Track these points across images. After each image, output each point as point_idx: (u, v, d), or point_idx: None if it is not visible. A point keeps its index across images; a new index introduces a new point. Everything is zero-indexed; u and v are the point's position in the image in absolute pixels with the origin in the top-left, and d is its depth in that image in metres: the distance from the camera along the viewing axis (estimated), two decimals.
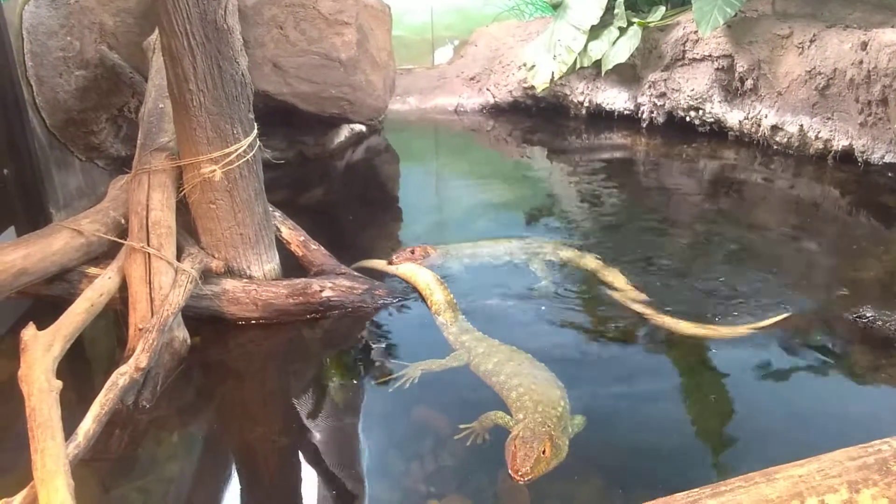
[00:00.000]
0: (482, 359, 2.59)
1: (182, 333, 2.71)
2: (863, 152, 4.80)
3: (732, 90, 5.84)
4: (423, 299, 3.13)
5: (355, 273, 3.25)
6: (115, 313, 2.83)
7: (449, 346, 2.77)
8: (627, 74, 6.68)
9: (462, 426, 2.25)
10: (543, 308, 3.10)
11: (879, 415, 2.33)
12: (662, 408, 2.38)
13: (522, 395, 2.32)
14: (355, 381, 2.65)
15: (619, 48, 6.32)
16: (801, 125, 5.24)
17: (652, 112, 6.50)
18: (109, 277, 2.71)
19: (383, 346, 2.84)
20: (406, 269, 3.38)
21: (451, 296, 3.08)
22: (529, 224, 4.31)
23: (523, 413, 2.24)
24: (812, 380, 2.54)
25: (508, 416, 2.27)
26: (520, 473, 2.00)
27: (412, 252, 3.50)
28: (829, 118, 5.05)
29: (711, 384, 2.52)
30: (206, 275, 2.93)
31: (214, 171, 2.83)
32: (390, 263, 3.47)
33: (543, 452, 2.03)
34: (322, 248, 3.34)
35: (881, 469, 1.38)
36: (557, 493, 2.01)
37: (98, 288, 2.63)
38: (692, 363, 2.63)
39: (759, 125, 5.60)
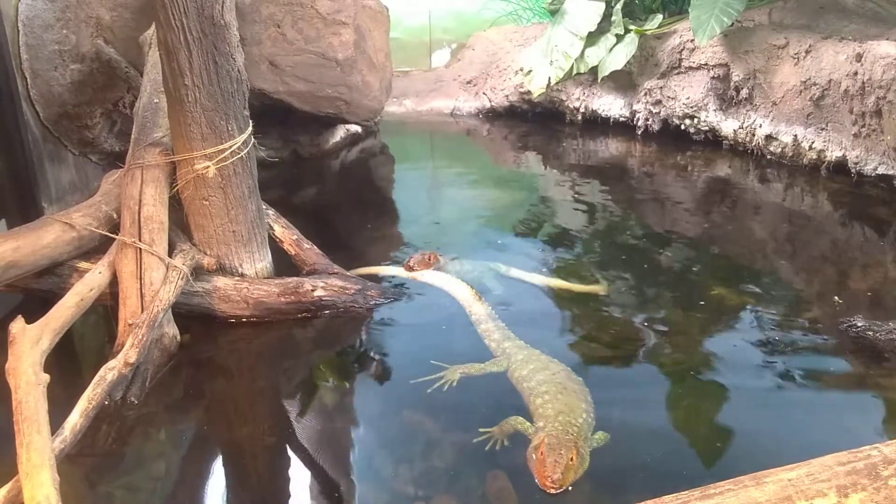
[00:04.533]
0: (519, 365, 2.56)
1: (172, 330, 2.70)
2: (856, 163, 4.82)
3: (728, 99, 5.86)
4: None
5: (348, 273, 3.24)
6: (105, 308, 2.81)
7: (490, 352, 2.75)
8: (623, 81, 6.70)
9: (482, 430, 2.22)
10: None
11: (869, 422, 2.34)
12: (652, 415, 2.38)
13: (546, 403, 2.29)
14: (346, 382, 2.63)
15: (615, 55, 6.34)
16: (796, 135, 5.27)
17: (647, 119, 6.53)
18: (100, 272, 2.69)
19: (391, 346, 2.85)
20: (433, 278, 3.35)
21: (489, 306, 3.05)
22: (518, 230, 4.31)
23: (543, 421, 2.20)
24: (803, 387, 2.54)
25: (529, 423, 2.23)
26: (551, 480, 1.93)
27: (428, 259, 3.47)
28: (823, 129, 5.07)
29: (702, 392, 2.52)
30: (198, 272, 2.91)
31: (208, 167, 2.82)
32: (408, 269, 3.43)
33: (571, 460, 1.98)
34: (315, 247, 3.33)
35: (870, 474, 1.38)
36: (544, 497, 2.00)
37: (88, 282, 2.62)
38: (683, 371, 2.63)
39: (754, 134, 5.63)
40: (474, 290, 3.18)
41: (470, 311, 3.05)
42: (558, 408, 2.24)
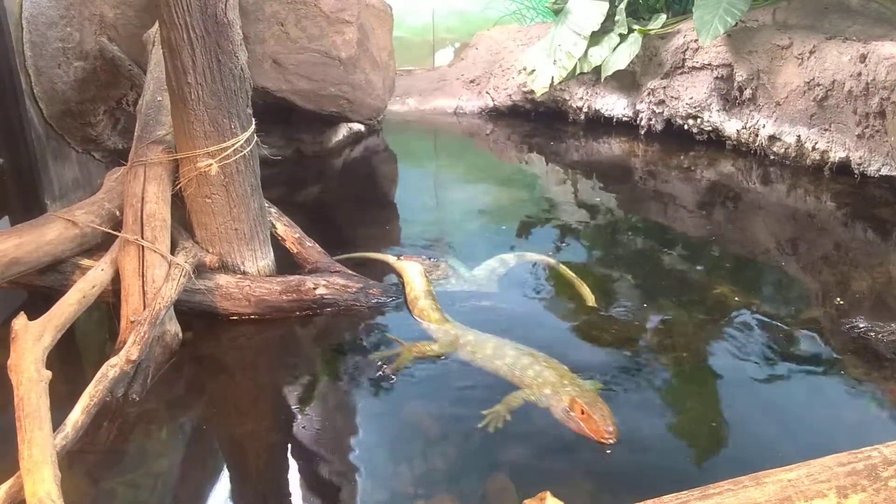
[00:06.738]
0: (477, 346, 2.61)
1: (174, 327, 2.70)
2: (859, 164, 4.81)
3: (731, 99, 5.85)
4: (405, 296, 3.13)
5: (350, 271, 3.24)
6: (108, 305, 2.82)
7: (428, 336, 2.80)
8: (627, 81, 6.70)
9: (484, 412, 2.25)
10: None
11: (870, 423, 2.34)
12: (653, 414, 2.38)
13: (542, 371, 2.35)
14: (347, 380, 2.64)
15: (619, 55, 6.34)
16: (799, 136, 5.25)
17: (650, 119, 6.52)
18: (102, 269, 2.70)
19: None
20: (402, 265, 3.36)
21: (431, 286, 3.09)
22: (521, 227, 4.31)
23: (549, 387, 2.25)
24: (805, 388, 2.54)
25: (537, 393, 2.28)
26: (609, 431, 2.01)
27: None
28: (826, 129, 5.06)
29: (703, 391, 2.52)
30: (200, 269, 2.92)
31: (211, 165, 2.82)
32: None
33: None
34: (317, 245, 3.34)
35: (870, 475, 1.38)
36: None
37: (91, 279, 2.62)
38: (684, 371, 2.63)
39: (757, 135, 5.62)
40: (423, 270, 3.20)
41: (410, 286, 3.07)
42: (558, 372, 2.33)
